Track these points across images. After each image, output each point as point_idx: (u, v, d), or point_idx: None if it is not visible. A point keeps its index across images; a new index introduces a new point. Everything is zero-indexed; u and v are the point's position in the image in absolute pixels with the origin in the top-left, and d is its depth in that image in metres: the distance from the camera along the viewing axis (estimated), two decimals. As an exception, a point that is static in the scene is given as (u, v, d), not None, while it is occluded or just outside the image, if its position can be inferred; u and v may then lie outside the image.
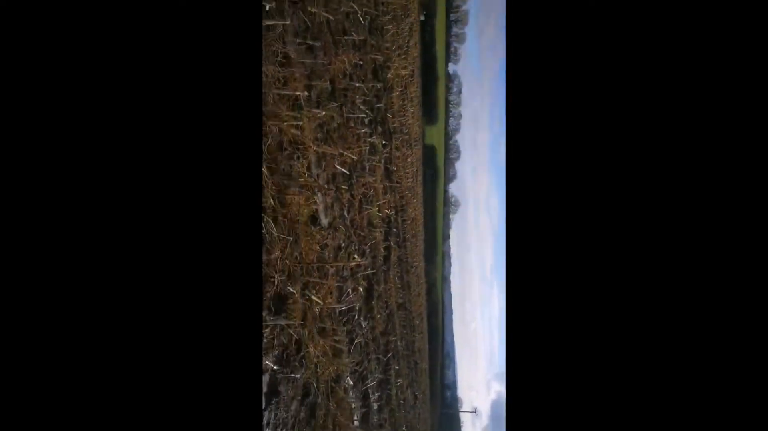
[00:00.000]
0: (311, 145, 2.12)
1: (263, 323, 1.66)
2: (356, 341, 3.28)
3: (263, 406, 1.81)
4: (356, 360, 3.26)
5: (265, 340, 1.78)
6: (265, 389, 1.83)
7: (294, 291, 1.85)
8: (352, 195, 3.07)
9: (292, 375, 2.02)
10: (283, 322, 1.76)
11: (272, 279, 1.72)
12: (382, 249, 4.38)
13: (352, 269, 3.12)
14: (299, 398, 2.16)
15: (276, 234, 1.70)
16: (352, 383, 3.20)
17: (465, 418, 25.54)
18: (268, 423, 1.82)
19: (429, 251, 18.47)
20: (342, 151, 2.57)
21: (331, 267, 2.53)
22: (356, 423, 3.21)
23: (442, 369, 24.19)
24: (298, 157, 1.98)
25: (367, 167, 3.62)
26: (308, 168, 2.06)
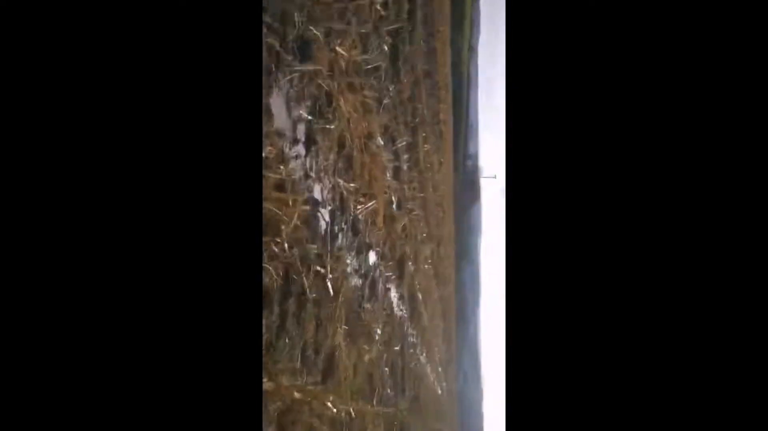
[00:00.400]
0: None
1: (290, 69, 1.61)
2: (384, 102, 3.27)
3: (304, 153, 1.93)
4: (386, 121, 3.32)
5: (295, 90, 1.76)
6: (303, 138, 1.91)
7: (318, 34, 1.72)
8: None
9: (327, 126, 2.08)
10: (311, 67, 1.70)
11: (292, 20, 1.57)
12: (405, 2, 3.91)
13: (374, 23, 2.85)
14: (336, 149, 2.29)
15: (288, -37, 1.46)
16: (383, 143, 3.36)
17: (485, 183, 27.95)
18: (311, 167, 1.97)
19: (456, 15, 16.61)
20: None
21: (354, 15, 2.30)
22: (389, 177, 3.51)
23: (465, 140, 25.13)
24: None
25: None
26: None
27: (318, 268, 2.04)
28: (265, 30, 1.42)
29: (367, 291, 2.95)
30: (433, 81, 7.27)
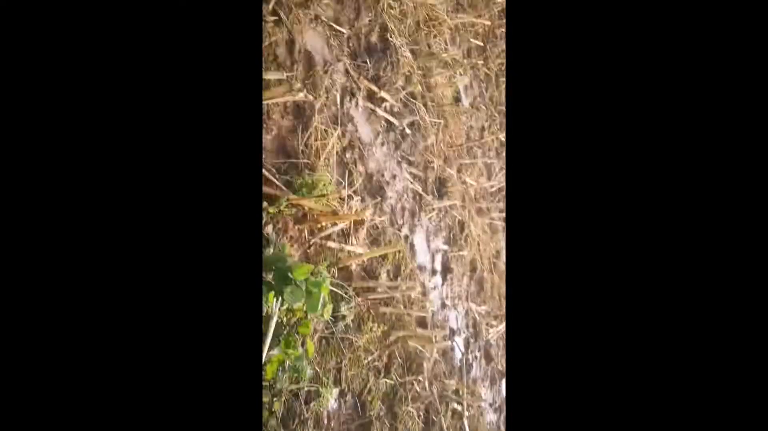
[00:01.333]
0: (446, 17, 1.93)
1: (430, 207, 1.72)
2: (509, 220, 3.27)
3: (441, 283, 1.96)
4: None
5: (433, 223, 1.86)
6: (439, 268, 1.96)
7: (452, 173, 1.85)
8: (488, 68, 2.82)
9: (460, 253, 2.11)
10: (447, 203, 1.80)
11: (432, 165, 1.73)
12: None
13: (497, 149, 3.00)
14: (468, 273, 2.29)
15: (429, 120, 1.66)
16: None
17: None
18: (447, 296, 1.97)
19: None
20: (474, 20, 2.30)
21: (479, 147, 2.45)
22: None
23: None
24: (435, 36, 1.83)
25: (499, 35, 3.24)
26: (446, 43, 1.90)
27: (455, 406, 1.91)
28: (410, 178, 1.59)
29: (502, 428, 2.65)
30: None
